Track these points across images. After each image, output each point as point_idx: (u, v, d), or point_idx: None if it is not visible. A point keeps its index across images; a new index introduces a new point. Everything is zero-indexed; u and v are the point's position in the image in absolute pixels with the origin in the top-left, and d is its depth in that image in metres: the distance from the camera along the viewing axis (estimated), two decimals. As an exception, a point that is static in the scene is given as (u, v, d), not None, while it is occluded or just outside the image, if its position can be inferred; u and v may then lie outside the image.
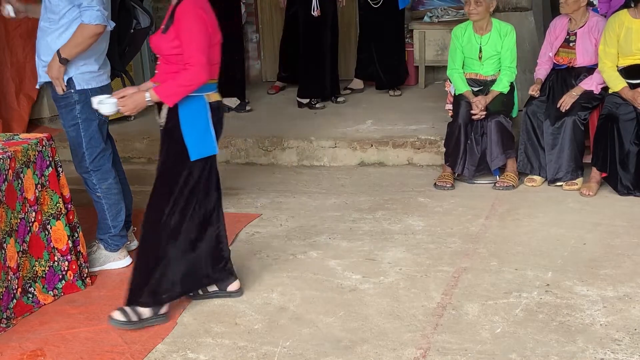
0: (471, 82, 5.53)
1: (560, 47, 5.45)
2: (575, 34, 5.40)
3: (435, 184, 5.45)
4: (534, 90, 5.41)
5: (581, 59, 5.39)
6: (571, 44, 5.42)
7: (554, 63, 5.51)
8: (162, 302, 3.72)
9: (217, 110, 3.72)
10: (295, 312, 3.82)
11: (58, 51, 4.03)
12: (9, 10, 4.28)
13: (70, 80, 4.10)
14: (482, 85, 5.51)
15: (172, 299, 3.76)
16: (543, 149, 5.35)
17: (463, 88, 5.47)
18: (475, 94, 5.45)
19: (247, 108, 7.05)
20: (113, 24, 4.14)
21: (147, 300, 3.68)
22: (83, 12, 3.99)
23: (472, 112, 5.36)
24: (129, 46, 4.49)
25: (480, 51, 5.49)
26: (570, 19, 5.42)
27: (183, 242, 3.72)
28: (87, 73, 4.14)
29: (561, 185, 5.31)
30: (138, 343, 3.58)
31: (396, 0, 7.04)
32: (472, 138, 5.41)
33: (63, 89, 4.10)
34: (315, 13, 6.77)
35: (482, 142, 5.41)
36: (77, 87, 4.12)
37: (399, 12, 7.17)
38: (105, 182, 4.29)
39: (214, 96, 3.70)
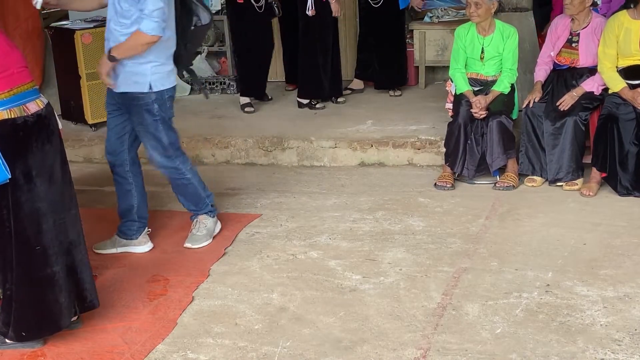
0: (472, 81, 5.53)
1: (562, 47, 5.44)
2: (578, 35, 5.40)
3: (435, 184, 5.44)
4: (534, 96, 5.39)
5: (584, 60, 5.38)
6: (574, 44, 5.41)
7: (555, 63, 5.50)
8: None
9: (11, 128, 3.32)
10: (296, 313, 3.82)
11: (110, 49, 4.23)
12: (37, 2, 4.19)
13: (149, 82, 4.29)
14: (482, 85, 5.52)
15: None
16: (544, 150, 5.35)
17: (464, 87, 5.47)
18: (476, 93, 5.45)
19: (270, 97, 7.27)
20: (169, 34, 4.27)
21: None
22: (142, 19, 4.12)
23: (473, 110, 5.36)
24: (190, 43, 4.58)
25: (483, 52, 5.49)
26: (572, 19, 5.42)
27: None
28: (162, 74, 4.33)
29: (561, 186, 5.30)
30: (138, 343, 3.59)
31: (397, 0, 7.02)
32: (472, 138, 5.41)
33: (110, 85, 4.32)
34: (309, 12, 6.75)
35: (483, 143, 5.41)
36: (154, 89, 4.32)
37: (399, 12, 7.15)
38: (188, 162, 4.60)
39: (1, 114, 3.29)
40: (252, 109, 6.96)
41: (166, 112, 4.43)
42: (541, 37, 6.15)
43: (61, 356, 3.53)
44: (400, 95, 7.27)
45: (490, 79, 5.52)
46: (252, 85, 7.10)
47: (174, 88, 4.47)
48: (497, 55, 5.47)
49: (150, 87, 4.31)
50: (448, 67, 5.75)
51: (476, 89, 5.50)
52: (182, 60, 4.51)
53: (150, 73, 4.28)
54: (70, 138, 6.54)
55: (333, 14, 6.90)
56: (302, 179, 5.84)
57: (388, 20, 7.09)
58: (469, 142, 5.40)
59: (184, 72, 4.83)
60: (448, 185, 5.40)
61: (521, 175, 5.45)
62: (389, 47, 7.20)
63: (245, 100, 7.04)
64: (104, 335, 3.67)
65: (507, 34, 5.45)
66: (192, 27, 4.49)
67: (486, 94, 5.43)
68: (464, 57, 5.55)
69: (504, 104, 5.43)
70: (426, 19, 7.64)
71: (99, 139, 6.52)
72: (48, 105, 3.51)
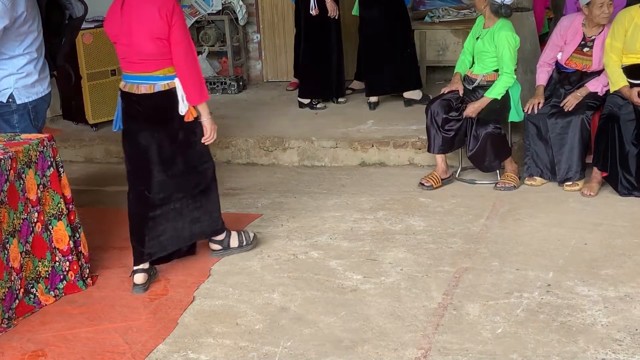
0: (465, 79, 5.52)
1: (573, 52, 5.35)
2: (592, 41, 5.29)
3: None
4: (537, 101, 5.35)
5: (597, 66, 5.29)
6: (585, 50, 5.32)
7: (562, 66, 5.42)
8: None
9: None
10: (296, 312, 3.82)
11: None
12: None
13: (11, 93, 4.13)
14: (472, 84, 5.47)
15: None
16: (550, 151, 5.30)
17: (458, 68, 5.57)
18: (466, 91, 5.45)
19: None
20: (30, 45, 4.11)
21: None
22: None
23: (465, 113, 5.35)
24: (65, 37, 4.43)
25: (477, 40, 5.47)
26: (584, 24, 5.31)
27: None
28: (27, 86, 4.17)
29: (563, 186, 5.29)
30: (139, 343, 3.59)
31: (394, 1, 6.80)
32: (440, 119, 5.39)
33: None
34: (313, 12, 6.74)
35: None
36: (18, 102, 4.17)
37: (400, 15, 6.80)
38: None
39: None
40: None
41: (28, 127, 4.23)
42: None
43: (62, 356, 3.53)
44: (420, 99, 6.86)
45: (478, 79, 5.44)
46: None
47: (42, 99, 4.28)
48: (486, 51, 5.39)
49: (12, 98, 4.16)
50: (448, 67, 5.74)
51: (470, 87, 5.47)
52: (59, 56, 4.38)
53: (14, 83, 4.12)
54: (71, 138, 6.56)
55: (328, 14, 6.80)
56: (302, 179, 5.84)
57: (390, 22, 6.76)
58: (436, 120, 5.39)
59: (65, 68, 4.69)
60: (427, 184, 5.38)
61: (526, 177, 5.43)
62: (389, 53, 6.76)
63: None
64: (104, 335, 3.68)
65: (497, 35, 5.30)
66: (67, 21, 4.35)
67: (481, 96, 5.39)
68: (472, 43, 5.52)
69: (494, 112, 5.32)
70: (427, 19, 7.63)
71: (100, 139, 6.53)
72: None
